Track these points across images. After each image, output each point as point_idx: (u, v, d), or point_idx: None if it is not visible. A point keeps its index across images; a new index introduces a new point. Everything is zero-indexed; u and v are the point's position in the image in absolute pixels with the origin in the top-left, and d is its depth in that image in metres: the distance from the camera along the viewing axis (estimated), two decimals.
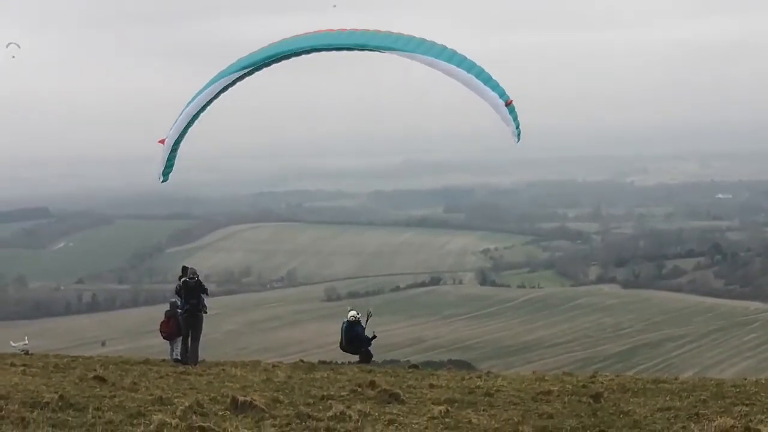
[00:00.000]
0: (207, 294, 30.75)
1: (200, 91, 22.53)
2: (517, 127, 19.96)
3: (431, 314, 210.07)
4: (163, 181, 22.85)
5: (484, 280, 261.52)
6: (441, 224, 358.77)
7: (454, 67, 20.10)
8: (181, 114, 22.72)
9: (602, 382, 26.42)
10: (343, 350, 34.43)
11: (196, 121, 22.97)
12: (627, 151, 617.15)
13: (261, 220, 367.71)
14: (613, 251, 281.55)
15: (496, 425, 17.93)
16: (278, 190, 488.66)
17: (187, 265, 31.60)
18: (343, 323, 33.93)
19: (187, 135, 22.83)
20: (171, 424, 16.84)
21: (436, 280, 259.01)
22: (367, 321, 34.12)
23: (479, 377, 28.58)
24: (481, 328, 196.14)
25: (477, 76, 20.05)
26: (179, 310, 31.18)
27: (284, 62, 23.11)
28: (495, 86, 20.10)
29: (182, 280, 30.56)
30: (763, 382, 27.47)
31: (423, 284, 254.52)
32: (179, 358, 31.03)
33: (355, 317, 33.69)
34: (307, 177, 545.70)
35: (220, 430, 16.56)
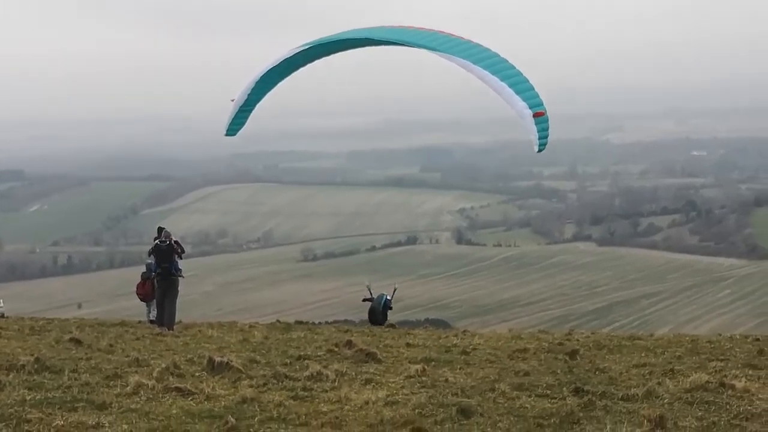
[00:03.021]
0: (181, 256, 30.39)
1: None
2: (545, 138, 19.68)
3: (408, 273, 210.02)
4: (226, 135, 23.97)
5: (460, 239, 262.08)
6: (418, 184, 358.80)
7: (487, 73, 19.79)
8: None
9: (578, 340, 26.58)
10: (373, 316, 36.25)
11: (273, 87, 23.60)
12: (603, 109, 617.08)
13: (238, 181, 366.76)
14: (588, 209, 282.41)
15: (472, 383, 17.97)
16: (255, 150, 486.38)
17: (162, 227, 31.39)
18: (383, 296, 36.05)
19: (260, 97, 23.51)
20: (147, 385, 16.78)
21: (412, 240, 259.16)
22: (393, 295, 37.13)
23: (456, 336, 28.69)
24: (457, 287, 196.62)
25: (510, 85, 19.73)
26: (152, 273, 31.04)
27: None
28: (529, 96, 19.50)
29: (155, 242, 30.33)
30: (738, 337, 27.75)
31: (399, 244, 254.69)
32: (155, 319, 30.98)
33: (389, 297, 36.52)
34: (285, 137, 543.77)
35: (197, 391, 16.51)
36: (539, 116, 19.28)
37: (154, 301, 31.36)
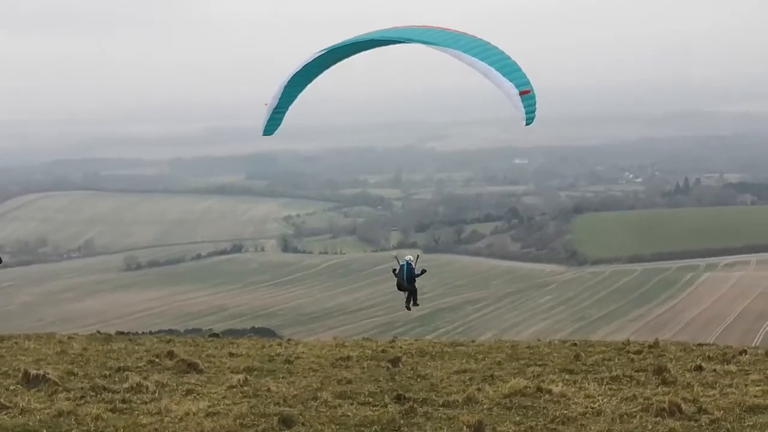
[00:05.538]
0: None
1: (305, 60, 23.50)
2: (533, 113, 20.85)
3: (233, 282, 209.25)
4: (264, 134, 24.69)
5: (286, 246, 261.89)
6: (243, 191, 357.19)
7: (476, 59, 20.96)
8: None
9: (401, 347, 26.81)
10: (400, 288, 36.80)
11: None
12: (428, 117, 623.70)
13: (56, 189, 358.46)
14: (413, 216, 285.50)
15: (294, 392, 17.96)
16: (75, 157, 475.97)
17: None
18: (404, 263, 36.00)
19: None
20: None
21: (238, 248, 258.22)
22: (416, 262, 37.06)
23: (279, 345, 28.61)
24: (283, 294, 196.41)
25: (498, 68, 20.90)
26: None
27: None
28: (516, 77, 20.87)
29: None
30: (556, 343, 28.42)
31: (225, 252, 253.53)
32: None
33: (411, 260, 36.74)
34: (105, 144, 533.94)
35: (11, 405, 16.08)
36: (525, 94, 20.40)
37: None
